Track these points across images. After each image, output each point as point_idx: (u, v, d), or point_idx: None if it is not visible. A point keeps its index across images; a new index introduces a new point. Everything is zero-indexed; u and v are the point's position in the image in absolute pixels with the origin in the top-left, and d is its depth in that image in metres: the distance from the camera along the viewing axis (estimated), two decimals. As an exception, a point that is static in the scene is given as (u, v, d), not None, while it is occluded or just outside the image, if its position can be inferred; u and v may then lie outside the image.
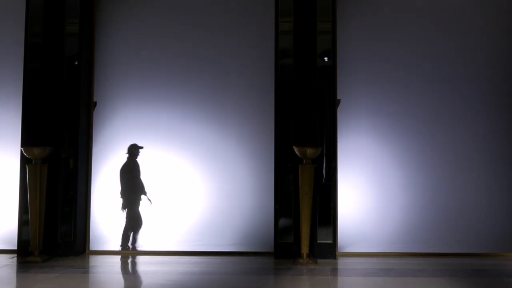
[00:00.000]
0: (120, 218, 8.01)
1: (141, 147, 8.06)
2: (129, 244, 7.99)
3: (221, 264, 7.35)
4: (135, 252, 7.90)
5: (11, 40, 8.08)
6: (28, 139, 7.66)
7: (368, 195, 7.88)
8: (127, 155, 8.07)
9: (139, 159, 8.07)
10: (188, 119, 8.09)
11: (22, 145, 7.61)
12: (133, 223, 8.03)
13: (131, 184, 8.05)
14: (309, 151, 7.21)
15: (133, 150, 8.06)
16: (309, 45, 7.64)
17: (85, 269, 7.04)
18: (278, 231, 7.56)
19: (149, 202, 8.02)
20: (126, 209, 8.02)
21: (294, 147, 7.31)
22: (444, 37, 8.04)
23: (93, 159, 8.03)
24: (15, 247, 7.70)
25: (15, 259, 7.45)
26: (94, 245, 7.96)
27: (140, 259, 7.61)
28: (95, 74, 8.13)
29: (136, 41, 8.23)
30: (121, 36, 8.23)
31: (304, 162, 7.26)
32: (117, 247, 7.96)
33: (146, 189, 8.05)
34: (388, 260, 7.40)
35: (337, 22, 7.83)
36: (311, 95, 7.61)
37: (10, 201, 7.92)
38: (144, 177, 8.06)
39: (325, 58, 7.65)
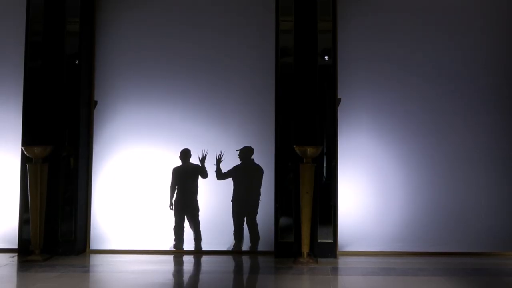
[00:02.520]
0: (121, 217, 8.01)
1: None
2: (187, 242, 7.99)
3: (222, 263, 7.35)
4: (135, 251, 7.88)
5: (12, 39, 8.10)
6: (28, 138, 7.67)
7: (368, 194, 7.88)
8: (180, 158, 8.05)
9: (191, 161, 8.03)
10: (189, 118, 8.10)
11: (22, 144, 7.61)
12: (190, 223, 8.03)
13: (186, 185, 8.01)
14: (310, 150, 7.21)
15: (186, 154, 8.02)
16: (310, 44, 7.65)
17: (85, 268, 7.04)
18: (279, 230, 7.56)
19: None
20: (177, 209, 8.01)
21: (294, 146, 7.32)
22: (444, 37, 8.05)
23: (94, 158, 8.03)
24: (15, 246, 7.71)
25: (15, 258, 7.45)
26: (94, 244, 7.96)
27: (140, 258, 7.60)
28: (95, 73, 8.14)
29: (136, 41, 8.24)
30: (121, 36, 8.24)
31: (304, 161, 7.27)
32: (118, 246, 7.94)
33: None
34: (388, 259, 7.40)
35: (337, 21, 7.84)
36: (311, 94, 7.62)
37: (11, 200, 7.92)
38: (144, 177, 8.08)
39: (326, 57, 7.66)
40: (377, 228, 7.81)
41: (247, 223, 7.93)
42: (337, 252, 7.54)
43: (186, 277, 6.80)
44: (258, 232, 7.91)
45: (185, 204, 8.00)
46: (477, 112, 7.97)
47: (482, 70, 8.00)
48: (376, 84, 8.00)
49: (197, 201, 8.01)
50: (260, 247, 7.88)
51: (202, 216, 8.00)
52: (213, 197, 8.02)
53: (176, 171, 8.04)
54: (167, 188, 8.03)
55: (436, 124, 7.97)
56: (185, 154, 8.02)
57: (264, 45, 8.02)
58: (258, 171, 7.96)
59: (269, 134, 7.82)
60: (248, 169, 7.99)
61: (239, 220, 7.94)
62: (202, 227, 7.98)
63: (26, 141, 7.65)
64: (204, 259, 7.57)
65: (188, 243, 7.98)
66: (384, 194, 7.86)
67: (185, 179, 8.02)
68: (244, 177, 7.99)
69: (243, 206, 7.96)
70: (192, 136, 8.07)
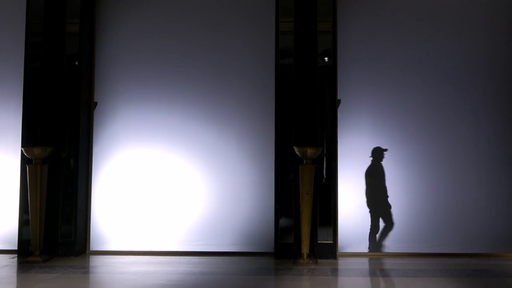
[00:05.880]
0: (121, 218, 8.01)
1: (385, 149, 7.88)
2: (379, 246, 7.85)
3: (222, 264, 7.35)
4: (136, 253, 7.89)
5: (12, 40, 8.10)
6: (28, 139, 7.67)
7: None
8: (371, 158, 7.93)
9: (383, 162, 7.92)
10: (189, 119, 8.09)
11: (22, 145, 7.62)
12: (384, 225, 7.89)
13: (375, 187, 7.92)
14: (310, 151, 7.21)
15: (377, 153, 7.92)
16: (310, 45, 7.65)
17: (85, 269, 7.04)
18: (279, 231, 7.56)
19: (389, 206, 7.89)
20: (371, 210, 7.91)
21: (294, 147, 7.32)
22: (444, 37, 8.03)
23: (94, 159, 8.03)
24: (15, 247, 7.72)
25: (15, 259, 7.45)
26: (94, 245, 7.96)
27: (141, 259, 7.60)
28: (95, 74, 8.14)
29: (136, 41, 8.23)
30: (121, 36, 8.23)
31: (304, 162, 7.27)
32: (118, 247, 7.95)
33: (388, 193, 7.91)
34: (388, 260, 7.40)
35: (337, 22, 7.83)
36: (311, 95, 7.61)
37: (11, 201, 7.93)
38: (145, 178, 8.07)
39: (326, 58, 7.65)
40: (377, 229, 7.82)
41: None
42: (337, 253, 7.54)
43: (186, 278, 6.79)
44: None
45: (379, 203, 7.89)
46: (477, 112, 7.95)
47: (482, 70, 7.99)
48: (376, 85, 7.99)
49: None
50: (260, 248, 7.86)
51: (202, 216, 8.00)
52: (213, 197, 8.01)
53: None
54: (166, 189, 8.04)
55: (437, 124, 7.95)
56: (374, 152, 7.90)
57: (265, 45, 8.01)
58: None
59: (269, 134, 7.82)
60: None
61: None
62: (202, 228, 7.98)
63: (26, 142, 7.66)
64: (204, 260, 7.57)
65: (187, 244, 7.97)
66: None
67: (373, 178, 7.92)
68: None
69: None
70: (192, 136, 8.07)
